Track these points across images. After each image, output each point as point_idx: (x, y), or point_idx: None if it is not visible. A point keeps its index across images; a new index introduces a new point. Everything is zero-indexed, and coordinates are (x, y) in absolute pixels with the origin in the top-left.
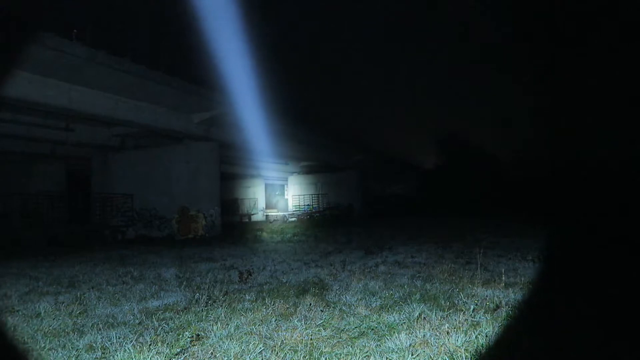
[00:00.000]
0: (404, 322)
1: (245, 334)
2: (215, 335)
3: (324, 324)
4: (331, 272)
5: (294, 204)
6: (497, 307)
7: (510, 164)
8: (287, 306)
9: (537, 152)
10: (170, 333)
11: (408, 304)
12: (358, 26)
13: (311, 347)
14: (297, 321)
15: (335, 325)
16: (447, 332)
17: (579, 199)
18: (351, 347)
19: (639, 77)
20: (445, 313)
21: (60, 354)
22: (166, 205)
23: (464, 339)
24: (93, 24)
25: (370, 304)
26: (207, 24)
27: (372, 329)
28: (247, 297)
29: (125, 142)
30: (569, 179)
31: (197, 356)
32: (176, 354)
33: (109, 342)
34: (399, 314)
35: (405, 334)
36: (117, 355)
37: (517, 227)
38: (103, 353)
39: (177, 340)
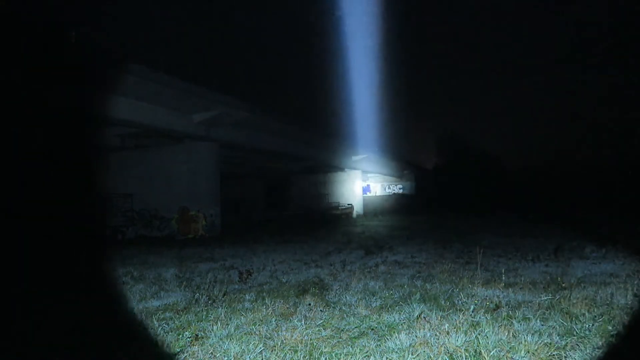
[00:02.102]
0: (404, 322)
1: (245, 334)
2: (215, 335)
3: (324, 324)
4: (331, 272)
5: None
6: (497, 307)
7: (511, 165)
8: (287, 306)
9: (540, 153)
10: (170, 333)
11: (408, 304)
12: (358, 25)
13: (311, 347)
14: (297, 321)
15: (335, 325)
16: (447, 332)
17: (578, 199)
18: (351, 347)
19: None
20: (445, 313)
21: None
22: (166, 205)
23: (464, 339)
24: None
25: (370, 304)
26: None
27: (372, 329)
28: (247, 297)
29: (125, 142)
30: (569, 180)
31: (197, 356)
32: (176, 354)
33: None
34: (399, 314)
35: (405, 334)
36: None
37: (517, 227)
38: None
39: (177, 340)
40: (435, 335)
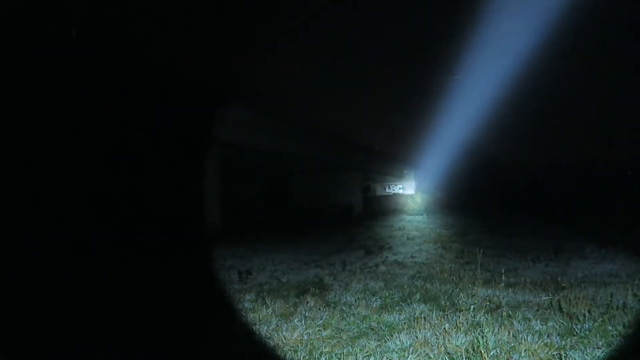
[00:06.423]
0: (404, 322)
1: (245, 334)
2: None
3: (324, 324)
4: (331, 272)
5: None
6: (497, 307)
7: (510, 164)
8: (287, 306)
9: (536, 152)
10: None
11: (408, 304)
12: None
13: (311, 347)
14: (297, 321)
15: (335, 325)
16: (447, 332)
17: (578, 199)
18: (351, 347)
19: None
20: (446, 313)
21: None
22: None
23: (464, 339)
24: None
25: (371, 304)
26: None
27: (372, 329)
28: (247, 297)
29: None
30: (567, 179)
31: (197, 356)
32: (175, 354)
33: None
34: (399, 314)
35: (406, 334)
36: None
37: (517, 227)
38: None
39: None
40: (435, 335)
